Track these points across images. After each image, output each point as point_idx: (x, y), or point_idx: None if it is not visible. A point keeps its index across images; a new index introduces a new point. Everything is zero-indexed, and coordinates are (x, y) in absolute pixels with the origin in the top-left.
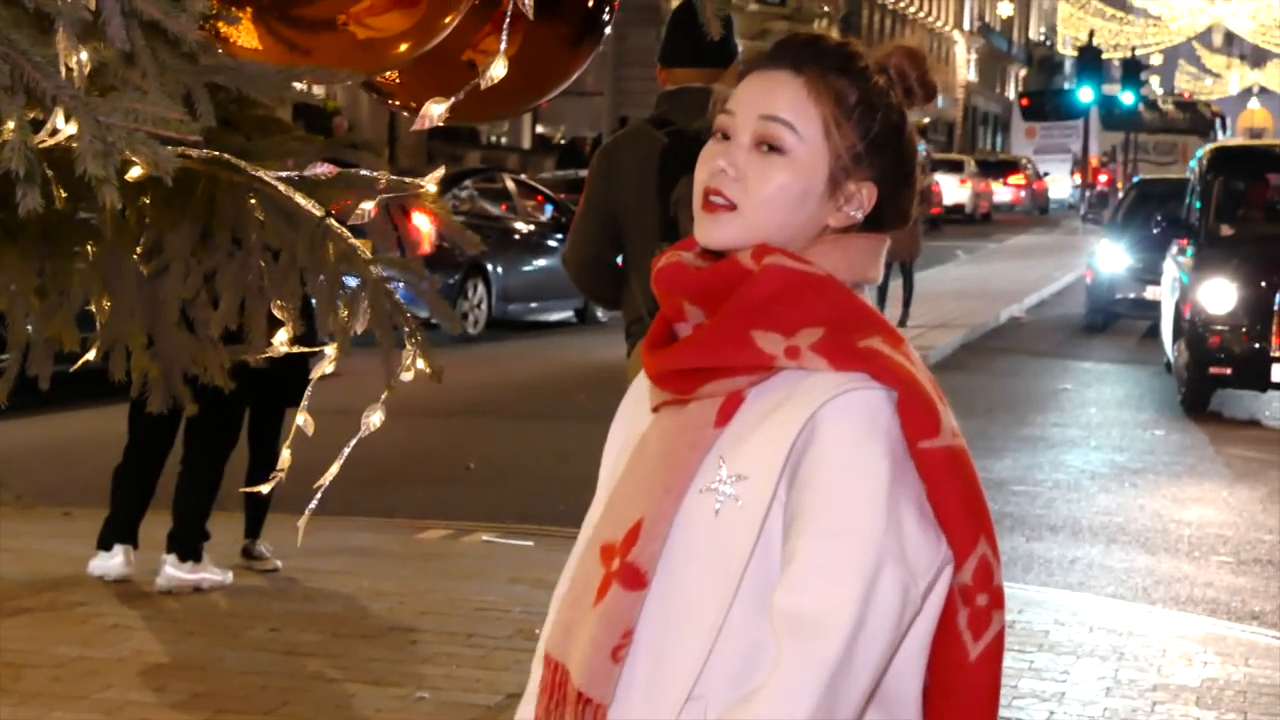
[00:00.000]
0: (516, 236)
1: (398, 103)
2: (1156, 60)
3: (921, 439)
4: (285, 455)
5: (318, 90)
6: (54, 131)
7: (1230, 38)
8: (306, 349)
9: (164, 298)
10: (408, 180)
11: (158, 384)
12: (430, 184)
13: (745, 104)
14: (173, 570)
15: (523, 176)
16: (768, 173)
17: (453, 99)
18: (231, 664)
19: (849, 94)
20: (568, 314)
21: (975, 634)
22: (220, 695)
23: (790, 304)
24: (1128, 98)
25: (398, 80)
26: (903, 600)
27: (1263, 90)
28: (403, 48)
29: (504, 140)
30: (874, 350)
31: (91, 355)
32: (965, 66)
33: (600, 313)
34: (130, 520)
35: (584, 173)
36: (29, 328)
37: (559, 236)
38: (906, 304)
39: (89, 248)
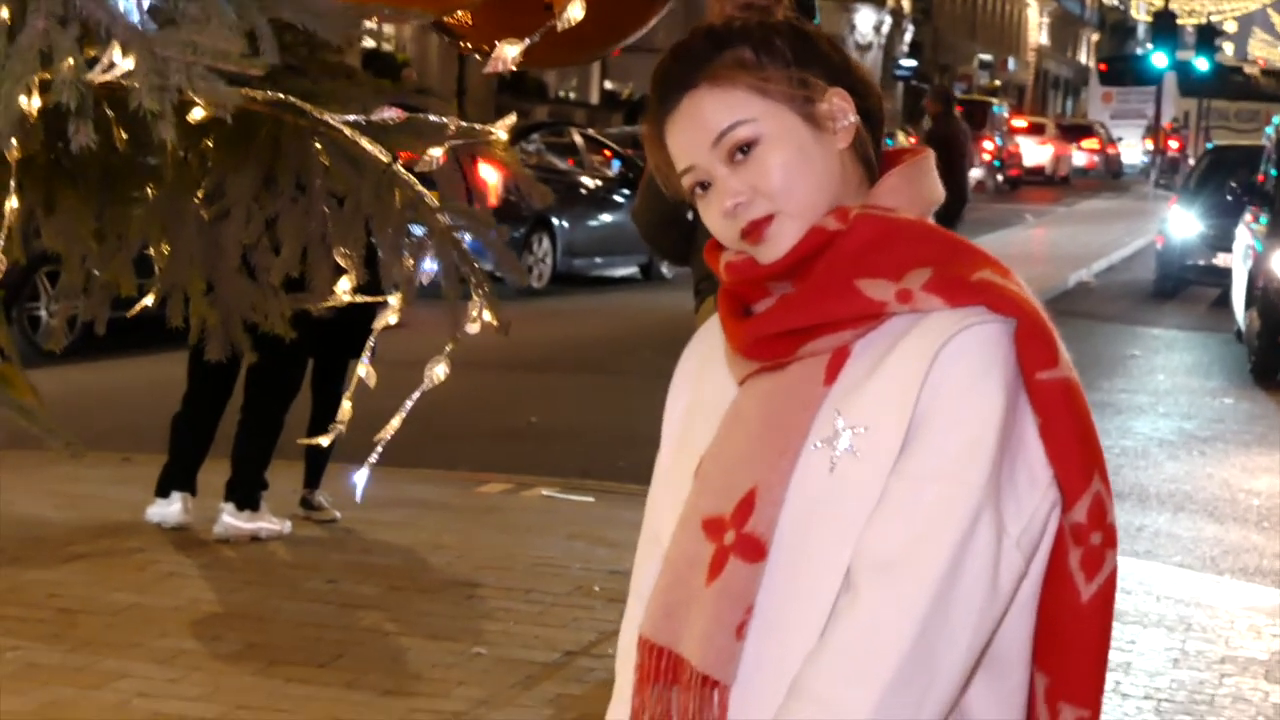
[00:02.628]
0: (583, 191)
1: (469, 45)
2: (1231, 27)
3: (1040, 370)
4: (346, 406)
5: (387, 44)
6: (110, 66)
7: None
8: (370, 299)
9: (225, 243)
10: (478, 127)
11: (216, 331)
12: (501, 131)
13: (690, 149)
14: (230, 519)
15: (590, 131)
16: (763, 165)
17: (528, 40)
18: (287, 615)
19: (743, 53)
20: (632, 269)
21: (1088, 574)
22: (275, 646)
23: (889, 250)
24: (1202, 63)
25: (469, 22)
26: (998, 550)
27: None
28: None
29: (572, 95)
30: (987, 282)
31: (149, 301)
32: (1037, 30)
33: (665, 269)
34: (189, 468)
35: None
36: (87, 273)
37: (625, 192)
38: None
39: (149, 191)
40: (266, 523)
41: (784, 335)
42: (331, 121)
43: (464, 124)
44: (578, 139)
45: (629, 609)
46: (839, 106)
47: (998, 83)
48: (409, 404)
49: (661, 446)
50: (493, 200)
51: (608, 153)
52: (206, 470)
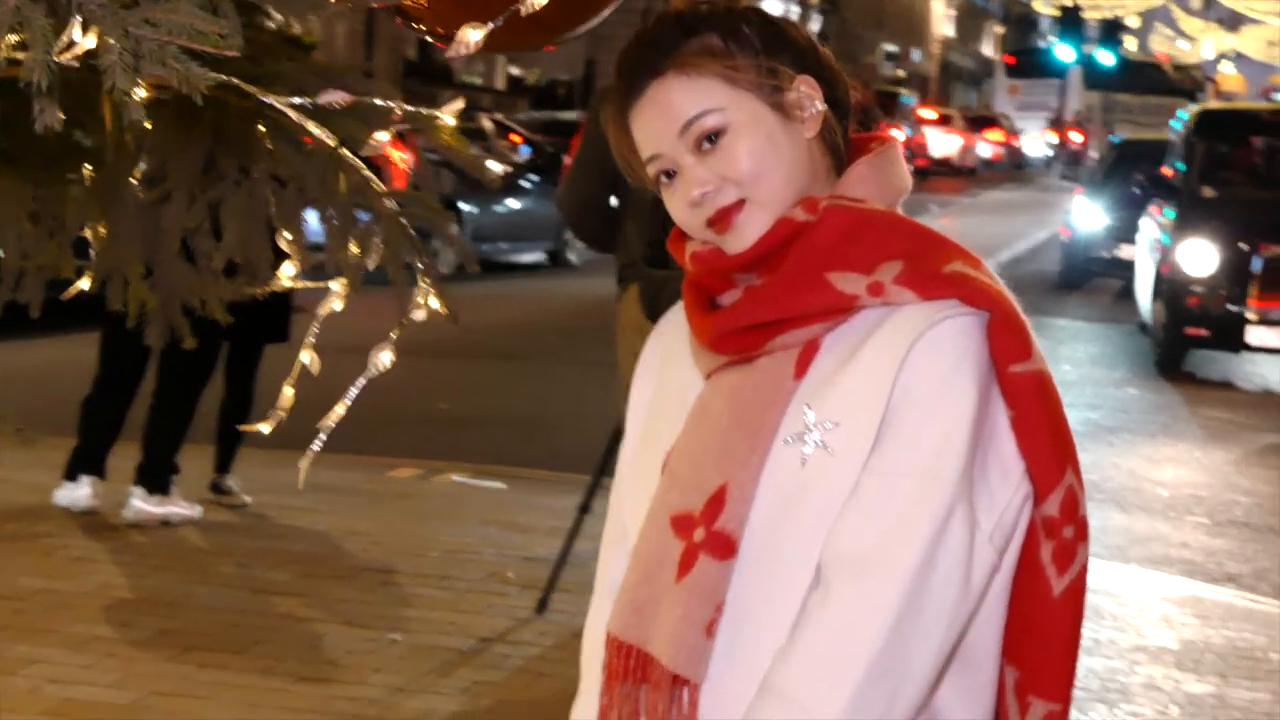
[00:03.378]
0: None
1: (423, 27)
2: (1134, 22)
3: (1013, 362)
4: (288, 393)
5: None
6: (70, 44)
7: (1209, 1)
8: (312, 284)
9: (165, 227)
10: (424, 111)
11: (156, 316)
12: (448, 116)
13: (656, 137)
14: (140, 503)
15: (499, 116)
16: (731, 154)
17: (491, 25)
18: (200, 601)
19: (711, 41)
20: (539, 256)
21: (1060, 568)
22: (189, 632)
23: (860, 241)
24: (1106, 57)
25: (425, 3)
26: (971, 545)
27: (1238, 55)
28: None
29: (479, 81)
30: (960, 274)
31: (86, 284)
32: (942, 22)
33: (573, 255)
34: (98, 451)
35: (561, 115)
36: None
37: (534, 178)
38: None
39: (86, 172)
40: (177, 507)
41: (752, 329)
42: (276, 104)
43: (409, 108)
44: (486, 124)
45: (595, 605)
46: (807, 95)
47: (902, 74)
48: (354, 391)
49: (625, 440)
50: (401, 185)
51: (516, 138)
52: (116, 454)
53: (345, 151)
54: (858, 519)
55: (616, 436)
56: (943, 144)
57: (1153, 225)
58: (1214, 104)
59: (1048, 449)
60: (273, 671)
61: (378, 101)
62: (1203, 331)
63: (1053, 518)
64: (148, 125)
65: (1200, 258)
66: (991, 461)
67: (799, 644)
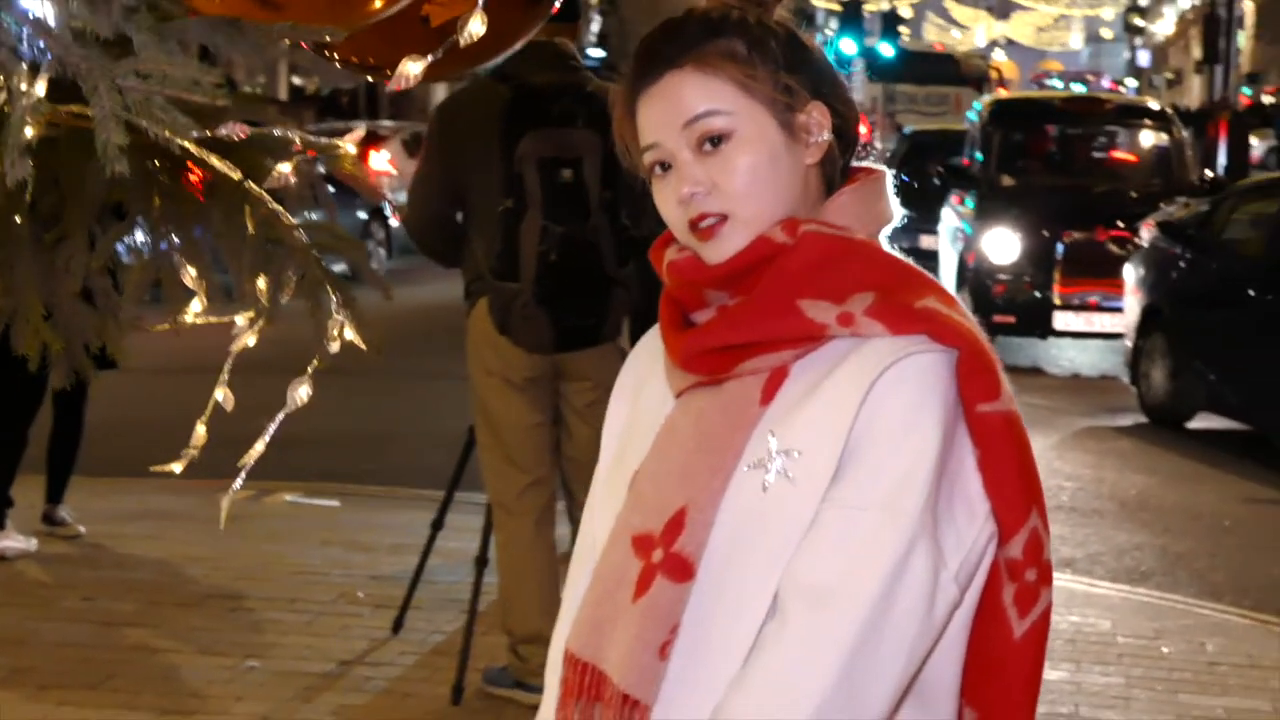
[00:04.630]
0: None
1: (337, 57)
2: (906, 13)
3: (981, 401)
4: (200, 431)
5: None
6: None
7: None
8: (222, 318)
9: (64, 267)
10: (324, 141)
11: (60, 359)
12: (350, 145)
13: (660, 126)
14: None
15: (291, 128)
16: (730, 163)
17: (430, 57)
18: (48, 636)
19: (735, 46)
20: (342, 266)
21: (1021, 611)
22: (41, 670)
23: (835, 270)
24: (887, 49)
25: (356, 41)
26: (934, 582)
27: (1010, 42)
28: (378, 3)
29: (259, 91)
30: (931, 310)
31: None
32: None
33: (377, 267)
34: None
35: (349, 125)
36: None
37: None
38: None
39: None
40: (13, 541)
41: (723, 350)
42: (175, 138)
43: (310, 138)
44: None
45: (559, 620)
46: (817, 121)
47: None
48: (272, 427)
49: (600, 459)
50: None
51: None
52: None
53: (251, 185)
54: (818, 550)
55: (468, 450)
56: None
57: (954, 215)
58: (1008, 93)
59: (1014, 490)
60: (133, 706)
61: (277, 132)
62: (1010, 319)
63: (1016, 560)
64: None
65: (1004, 246)
66: (958, 500)
67: (754, 673)
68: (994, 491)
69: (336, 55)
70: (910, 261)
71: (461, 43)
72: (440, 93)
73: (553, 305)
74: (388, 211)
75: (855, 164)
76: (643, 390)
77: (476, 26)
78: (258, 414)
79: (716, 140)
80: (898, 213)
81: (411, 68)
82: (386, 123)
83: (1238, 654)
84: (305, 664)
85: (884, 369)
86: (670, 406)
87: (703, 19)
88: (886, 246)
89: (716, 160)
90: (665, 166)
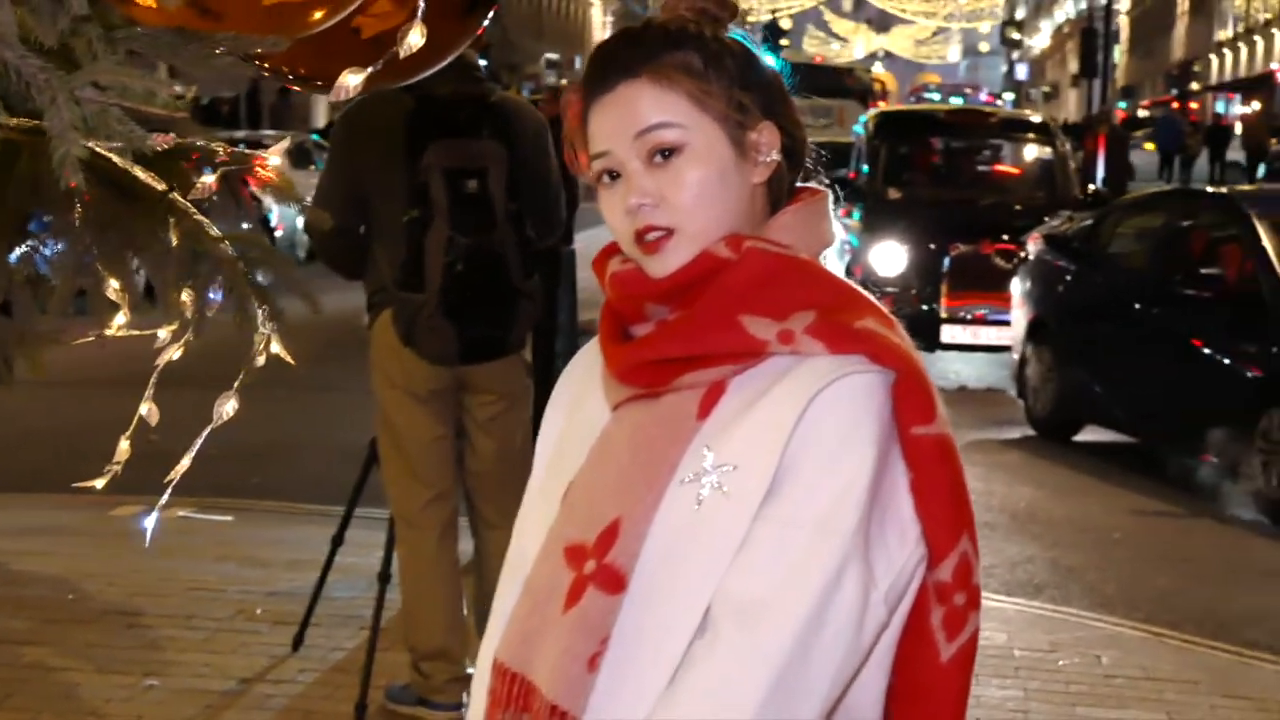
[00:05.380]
0: None
1: (266, 66)
2: (786, 24)
3: (915, 424)
4: (124, 446)
5: None
6: None
7: (859, 3)
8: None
9: None
10: (248, 152)
11: None
12: (275, 156)
13: (611, 135)
14: None
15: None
16: (679, 178)
17: (370, 69)
18: None
19: (692, 60)
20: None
21: (949, 634)
22: None
23: (778, 287)
24: (770, 61)
25: (292, 53)
26: (864, 602)
27: (888, 55)
28: (318, 14)
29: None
30: (870, 331)
31: None
32: (602, 29)
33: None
34: None
35: (230, 134)
36: None
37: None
38: None
39: None
40: None
41: (662, 363)
42: (98, 149)
43: (234, 149)
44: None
45: (489, 631)
46: (767, 140)
47: (565, 81)
48: (198, 443)
49: (534, 470)
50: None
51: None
52: None
53: (176, 196)
54: (750, 567)
55: (368, 465)
56: None
57: (840, 229)
58: (893, 106)
59: (945, 514)
60: None
61: (200, 143)
62: None
63: (945, 583)
64: None
65: (891, 259)
66: (890, 521)
67: (683, 687)
68: (925, 514)
69: (267, 65)
70: (851, 283)
71: (401, 54)
72: (322, 102)
73: (458, 316)
74: (273, 221)
75: (799, 184)
76: (579, 403)
77: (416, 38)
78: (140, 428)
79: (667, 153)
80: (839, 233)
81: (351, 79)
82: (268, 132)
83: (1132, 666)
84: (205, 682)
85: (822, 388)
86: (607, 419)
87: (662, 31)
88: (829, 265)
89: (666, 173)
90: (614, 175)
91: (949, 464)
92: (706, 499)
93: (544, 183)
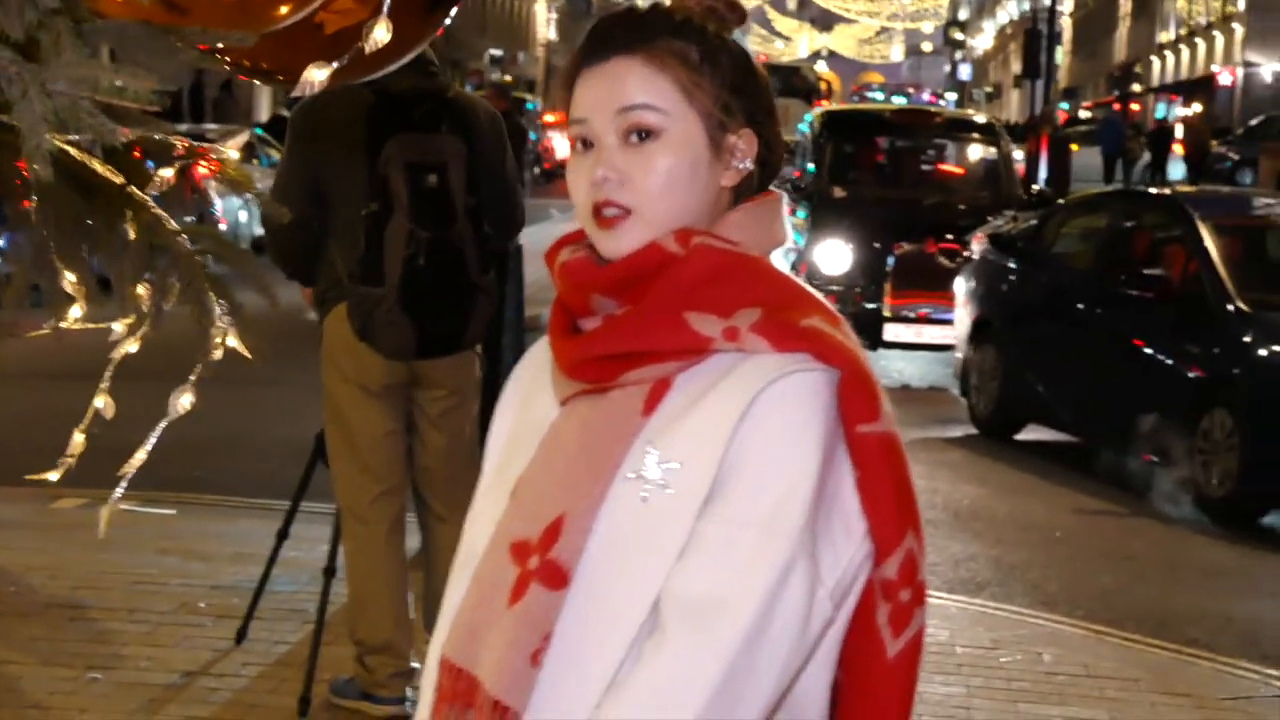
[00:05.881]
0: None
1: (228, 61)
2: None
3: (861, 422)
4: (78, 439)
5: None
6: None
7: (802, 1)
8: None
9: None
10: (206, 146)
11: None
12: (232, 150)
13: (595, 105)
14: None
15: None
16: (650, 162)
17: (336, 64)
18: None
19: (689, 51)
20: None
21: (895, 631)
22: None
23: (724, 284)
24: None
25: (254, 48)
26: (810, 600)
27: (832, 54)
28: (283, 9)
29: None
30: (815, 329)
31: None
32: (546, 26)
33: None
34: None
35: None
36: None
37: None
38: None
39: None
40: None
41: (608, 359)
42: (56, 142)
43: (192, 143)
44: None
45: (439, 626)
46: (745, 147)
47: (510, 78)
48: (153, 438)
49: (485, 465)
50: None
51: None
52: None
53: (134, 190)
54: (697, 565)
55: (314, 459)
56: (566, 148)
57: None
58: (838, 105)
59: (890, 511)
60: None
61: (157, 136)
62: None
63: (890, 580)
64: None
65: (836, 257)
66: (836, 519)
67: (632, 685)
68: (871, 511)
69: (229, 59)
70: (799, 281)
71: (366, 50)
72: (265, 97)
73: (417, 311)
74: (217, 214)
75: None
76: (529, 400)
77: (381, 34)
78: (91, 421)
79: (644, 135)
80: (789, 234)
81: (316, 74)
82: (211, 126)
83: (1074, 664)
84: (148, 675)
85: (766, 385)
86: (556, 414)
87: (665, 15)
88: (777, 265)
89: (639, 155)
90: (587, 144)
91: (894, 462)
92: (651, 496)
93: (501, 178)
